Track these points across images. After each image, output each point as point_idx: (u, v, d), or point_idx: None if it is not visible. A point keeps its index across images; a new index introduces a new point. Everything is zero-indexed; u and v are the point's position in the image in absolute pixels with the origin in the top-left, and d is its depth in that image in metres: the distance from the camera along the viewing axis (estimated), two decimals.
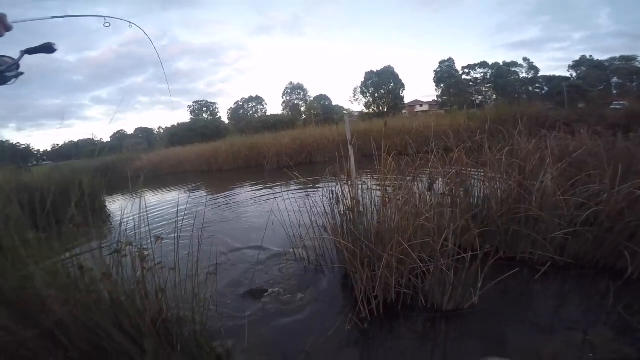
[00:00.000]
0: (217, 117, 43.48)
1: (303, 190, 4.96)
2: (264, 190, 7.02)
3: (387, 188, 2.28)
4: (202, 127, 26.34)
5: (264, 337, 1.96)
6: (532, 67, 41.66)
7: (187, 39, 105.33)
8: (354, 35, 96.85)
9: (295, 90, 46.38)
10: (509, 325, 1.85)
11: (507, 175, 2.58)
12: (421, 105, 47.04)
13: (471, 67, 43.57)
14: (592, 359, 1.50)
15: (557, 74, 41.80)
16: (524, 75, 41.89)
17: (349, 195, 2.35)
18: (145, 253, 1.09)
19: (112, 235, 1.39)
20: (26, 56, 0.61)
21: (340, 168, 2.47)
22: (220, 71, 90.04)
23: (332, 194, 2.38)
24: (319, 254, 2.83)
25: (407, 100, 45.16)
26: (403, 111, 40.08)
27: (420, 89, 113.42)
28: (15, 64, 0.56)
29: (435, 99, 44.84)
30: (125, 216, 1.43)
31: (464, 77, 43.62)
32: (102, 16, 0.75)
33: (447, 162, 2.68)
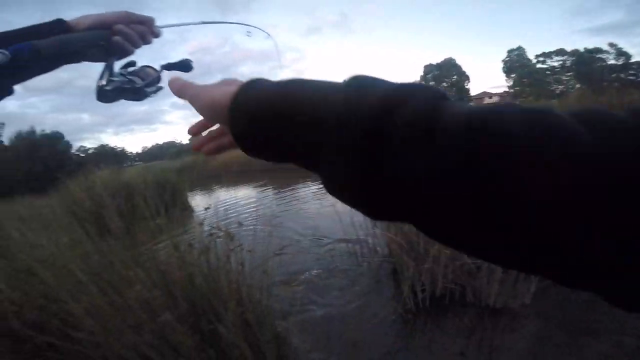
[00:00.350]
0: None
1: None
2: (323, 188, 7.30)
3: None
4: None
5: (314, 320, 2.13)
6: (621, 53, 35.66)
7: (246, 45, 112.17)
8: (406, 27, 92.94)
9: None
10: (557, 326, 1.78)
11: None
12: (490, 97, 43.18)
13: (546, 54, 38.80)
14: None
15: None
16: (612, 61, 36.07)
17: None
18: (231, 236, 1.37)
19: (198, 224, 1.68)
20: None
21: None
22: (279, 74, 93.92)
23: None
24: (372, 248, 2.95)
25: (473, 93, 42.10)
26: (470, 104, 37.45)
27: (487, 80, 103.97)
28: (158, 77, 0.54)
29: (507, 89, 40.90)
30: (206, 208, 1.77)
31: (538, 65, 39.05)
32: (249, 25, 0.73)
33: None
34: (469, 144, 0.18)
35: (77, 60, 0.51)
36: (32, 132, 24.49)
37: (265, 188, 9.08)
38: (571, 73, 37.70)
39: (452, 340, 1.80)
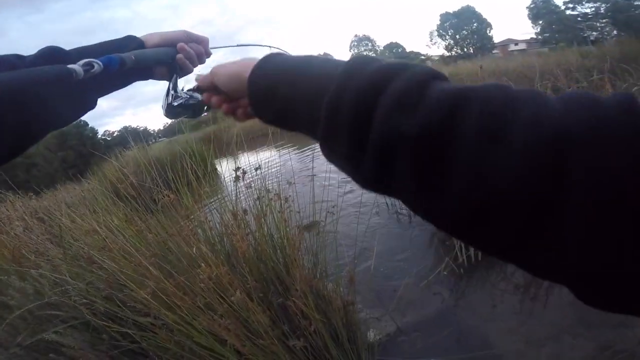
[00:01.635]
0: None
1: None
2: None
3: None
4: None
5: (362, 278, 2.03)
6: None
7: (244, 11, 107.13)
8: None
9: (362, 42, 44.42)
10: None
11: None
12: (516, 44, 40.31)
13: (577, 1, 34.86)
14: None
15: None
16: None
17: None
18: (285, 197, 1.28)
19: (245, 187, 1.60)
20: None
21: None
22: (284, 34, 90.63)
23: None
24: None
25: (497, 40, 39.34)
26: (494, 51, 35.12)
27: (512, 27, 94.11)
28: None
29: (534, 36, 37.61)
30: (256, 169, 1.67)
31: (568, 12, 35.49)
32: (268, 46, 0.80)
33: None
34: (449, 111, 0.21)
35: (147, 77, 0.54)
36: None
37: (287, 148, 9.04)
38: (606, 20, 33.83)
39: (507, 297, 1.73)
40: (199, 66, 0.55)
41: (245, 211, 1.23)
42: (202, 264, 0.86)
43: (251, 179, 1.51)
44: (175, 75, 0.51)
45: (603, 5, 34.34)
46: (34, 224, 2.10)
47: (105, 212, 1.50)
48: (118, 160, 6.42)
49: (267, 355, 0.84)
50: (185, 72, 0.52)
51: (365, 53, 43.72)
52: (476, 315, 1.66)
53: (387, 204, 2.99)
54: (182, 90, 0.51)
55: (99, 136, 29.35)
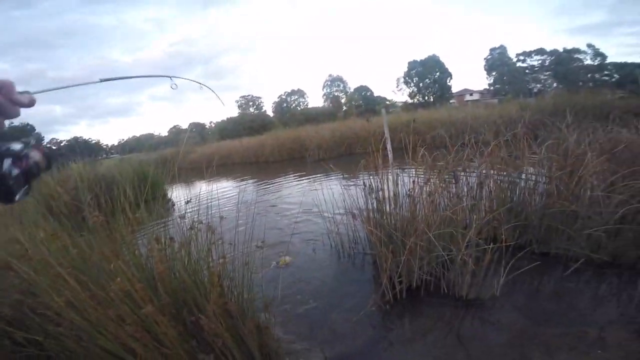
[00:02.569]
0: (263, 110, 45.05)
1: (341, 181, 5.26)
2: (305, 181, 7.41)
3: (417, 180, 2.37)
4: (250, 121, 27.61)
5: (295, 311, 2.21)
6: (598, 54, 37.53)
7: (230, 36, 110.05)
8: (393, 20, 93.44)
9: (335, 82, 46.82)
10: (527, 318, 1.86)
11: (547, 169, 2.56)
12: (471, 95, 44.52)
13: (527, 54, 40.47)
14: (600, 355, 1.52)
15: (629, 60, 37.19)
16: (589, 62, 37.81)
17: (379, 186, 2.49)
18: (212, 229, 1.39)
19: (179, 217, 1.66)
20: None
21: (374, 160, 2.55)
22: (262, 66, 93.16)
23: (364, 185, 2.53)
24: (352, 241, 3.03)
25: (455, 89, 43.24)
26: (451, 101, 38.55)
27: (469, 77, 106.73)
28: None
29: (487, 87, 42.32)
30: (187, 202, 1.77)
31: (518, 64, 40.62)
32: (169, 76, 0.80)
33: (483, 155, 2.69)
34: None
35: None
36: None
37: (244, 180, 9.05)
38: (549, 72, 39.19)
39: (427, 331, 1.88)
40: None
41: (172, 239, 1.32)
42: (118, 278, 0.92)
43: (187, 210, 1.61)
44: None
45: (548, 57, 39.16)
46: None
47: (33, 225, 1.47)
48: (59, 174, 6.04)
49: None
50: None
51: (336, 93, 45.92)
52: (395, 349, 1.79)
53: (329, 238, 3.16)
54: None
55: (44, 144, 27.06)
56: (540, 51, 40.01)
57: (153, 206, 1.95)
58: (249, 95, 48.20)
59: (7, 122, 0.44)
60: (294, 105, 46.91)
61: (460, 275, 2.06)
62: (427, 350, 1.74)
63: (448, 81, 40.97)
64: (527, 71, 40.37)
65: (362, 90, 44.35)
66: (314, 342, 1.89)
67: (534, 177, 2.67)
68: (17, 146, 0.45)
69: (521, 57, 40.65)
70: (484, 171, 2.60)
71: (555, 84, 37.45)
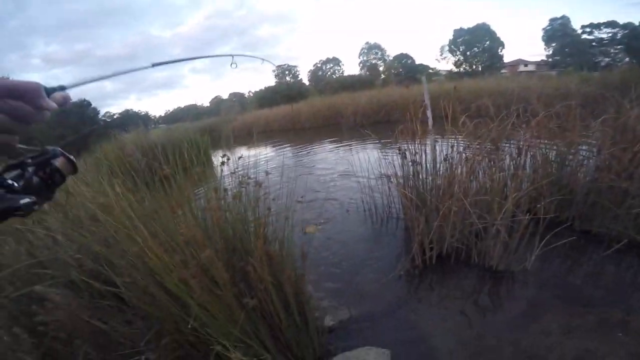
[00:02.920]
0: (299, 79, 44.52)
1: (377, 147, 5.25)
2: (340, 146, 7.50)
3: (456, 146, 2.32)
4: (286, 89, 27.69)
5: (326, 269, 2.32)
6: None
7: (262, 7, 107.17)
8: None
9: (372, 50, 44.43)
10: (554, 294, 1.84)
11: (600, 143, 2.38)
12: (526, 65, 40.21)
13: (595, 26, 35.04)
14: (620, 338, 1.49)
15: None
16: None
17: (415, 151, 2.47)
18: (260, 183, 1.55)
19: (231, 174, 1.81)
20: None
21: (413, 126, 2.50)
22: (297, 35, 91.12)
23: (399, 150, 2.53)
24: (386, 205, 3.07)
25: (508, 59, 39.40)
26: (502, 70, 35.35)
27: (525, 48, 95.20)
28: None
29: (545, 58, 37.92)
30: (239, 157, 1.92)
31: (584, 36, 35.61)
32: (231, 55, 0.77)
33: (529, 125, 2.54)
34: None
35: None
36: None
37: (283, 146, 9.30)
38: (620, 46, 34.03)
39: (453, 299, 1.92)
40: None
41: (225, 190, 1.49)
42: (183, 225, 1.10)
43: (237, 168, 1.77)
44: None
45: (620, 31, 34.41)
46: None
47: (108, 183, 1.72)
48: (115, 142, 6.67)
49: (222, 307, 1.09)
50: (1, 149, 0.38)
51: (374, 61, 43.83)
52: (419, 313, 1.86)
53: (363, 201, 3.23)
54: None
55: (100, 117, 29.36)
56: (611, 24, 34.54)
57: (206, 167, 2.14)
58: (285, 65, 47.56)
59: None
60: (329, 73, 45.75)
61: (492, 246, 2.04)
62: (450, 316, 1.79)
63: (499, 50, 37.41)
64: (593, 44, 35.36)
65: (402, 58, 41.80)
66: (341, 300, 1.99)
67: (584, 151, 2.51)
68: (41, 156, 0.44)
69: (587, 29, 35.53)
70: (526, 142, 2.46)
71: (627, 59, 32.36)
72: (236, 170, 1.76)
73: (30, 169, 0.42)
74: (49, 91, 0.40)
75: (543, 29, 37.73)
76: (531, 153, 2.51)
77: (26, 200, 0.39)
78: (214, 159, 4.27)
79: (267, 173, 1.69)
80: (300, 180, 3.22)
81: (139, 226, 1.19)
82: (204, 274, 1.11)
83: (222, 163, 1.62)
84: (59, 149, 0.47)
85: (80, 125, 22.76)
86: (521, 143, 2.46)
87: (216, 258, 1.08)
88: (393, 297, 2.00)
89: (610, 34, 35.13)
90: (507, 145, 2.54)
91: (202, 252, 1.07)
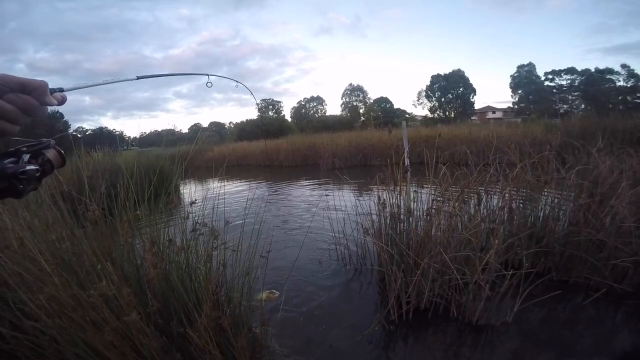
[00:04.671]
0: (282, 115, 45.54)
1: (354, 192, 5.17)
2: (317, 189, 7.34)
3: (437, 198, 2.26)
4: (268, 124, 28.12)
5: (294, 323, 2.11)
6: (632, 75, 35.73)
7: (256, 39, 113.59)
8: (419, 37, 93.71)
9: (354, 91, 46.93)
10: (537, 345, 1.78)
11: (574, 196, 2.41)
12: (494, 112, 43.93)
13: (556, 72, 39.32)
14: None
15: None
16: (622, 83, 36.32)
17: (394, 202, 2.38)
18: (216, 234, 1.30)
19: (183, 217, 1.59)
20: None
21: (390, 174, 2.46)
22: (285, 71, 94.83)
23: (379, 199, 2.42)
24: (360, 255, 2.92)
25: (478, 106, 42.72)
26: (472, 117, 38.12)
27: (493, 94, 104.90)
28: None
29: (511, 105, 41.58)
30: (192, 202, 1.70)
31: (546, 83, 39.61)
32: (207, 74, 0.80)
33: (507, 177, 2.55)
34: None
35: None
36: None
37: (259, 182, 9.05)
38: (578, 92, 38.06)
39: (431, 354, 1.78)
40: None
41: (170, 240, 1.24)
42: (103, 281, 0.85)
43: (191, 211, 1.54)
44: None
45: (578, 77, 37.96)
46: None
47: (38, 210, 1.43)
48: (79, 160, 6.17)
49: None
50: (1, 135, 0.40)
51: (356, 103, 46.03)
52: None
53: (336, 250, 3.05)
54: None
55: (70, 131, 28.13)
56: (570, 70, 38.92)
57: (160, 202, 1.89)
58: (269, 99, 48.83)
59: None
60: (312, 111, 47.25)
61: (472, 300, 1.95)
62: None
63: (471, 97, 40.52)
64: (554, 90, 39.27)
65: (382, 101, 44.33)
66: (310, 358, 1.79)
67: (559, 203, 2.52)
68: (36, 145, 0.46)
69: (549, 76, 39.62)
70: (506, 195, 2.44)
71: (583, 105, 36.20)
72: (192, 212, 1.52)
73: (25, 157, 0.43)
74: (50, 91, 0.43)
75: (511, 75, 41.39)
76: (509, 206, 2.48)
77: (32, 167, 0.42)
78: (181, 189, 3.98)
79: (227, 222, 1.45)
80: (271, 223, 3.00)
81: (49, 272, 0.92)
82: (126, 339, 0.85)
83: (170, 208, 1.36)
84: (53, 140, 0.48)
85: (47, 137, 21.57)
86: (503, 195, 2.44)
87: (145, 322, 0.83)
88: (367, 355, 1.82)
89: (569, 81, 39.15)
90: (485, 197, 2.50)
91: (128, 313, 0.81)
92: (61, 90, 0.46)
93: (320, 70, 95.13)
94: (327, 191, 6.35)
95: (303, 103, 48.62)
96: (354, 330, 2.00)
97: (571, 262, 2.30)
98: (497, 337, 1.87)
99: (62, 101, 0.45)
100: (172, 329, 0.94)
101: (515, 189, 2.54)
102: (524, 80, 39.83)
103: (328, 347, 1.88)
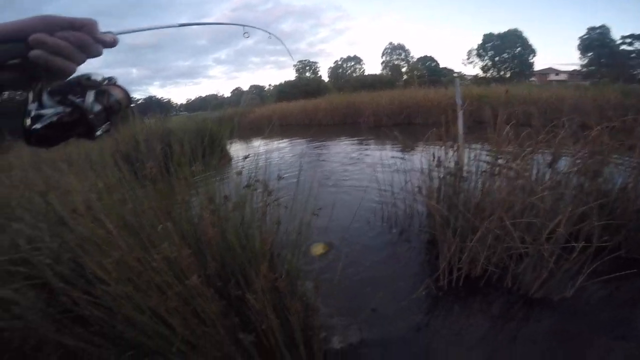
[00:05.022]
0: (319, 75, 44.59)
1: (400, 150, 4.96)
2: (360, 146, 7.19)
3: (499, 158, 2.07)
4: (305, 85, 27.68)
5: (339, 284, 2.02)
6: None
7: (288, 1, 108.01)
8: None
9: (395, 50, 44.07)
10: (592, 325, 1.64)
11: None
12: (557, 74, 39.08)
13: (636, 37, 33.33)
14: None
15: None
16: None
17: (452, 159, 2.21)
18: (269, 190, 1.27)
19: (236, 173, 1.59)
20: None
21: (445, 132, 2.27)
22: (319, 32, 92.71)
23: (434, 156, 2.25)
24: (408, 215, 2.82)
25: (538, 67, 38.38)
26: (531, 78, 34.31)
27: (556, 57, 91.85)
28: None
29: (578, 68, 36.50)
30: (245, 157, 1.69)
31: (623, 47, 33.93)
32: (242, 25, 0.80)
33: (581, 140, 2.23)
34: None
35: None
36: None
37: (300, 140, 9.08)
38: None
39: (479, 326, 1.71)
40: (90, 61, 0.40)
41: (226, 197, 1.23)
42: (165, 243, 0.86)
43: (244, 166, 1.51)
44: (38, 84, 0.37)
45: None
46: (30, 174, 2.10)
47: (101, 172, 1.50)
48: (134, 126, 6.58)
49: (213, 344, 0.84)
50: (59, 74, 0.38)
51: (397, 62, 43.36)
52: (440, 340, 1.65)
53: (382, 210, 2.97)
54: (47, 101, 0.38)
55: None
56: None
57: (213, 159, 1.91)
58: (305, 60, 47.57)
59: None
60: (349, 71, 45.48)
61: (532, 271, 1.80)
62: (475, 346, 1.59)
63: (530, 58, 36.30)
64: (632, 55, 33.67)
65: (427, 60, 41.29)
66: (353, 319, 1.79)
67: None
68: (98, 77, 0.43)
69: (628, 40, 33.86)
70: (579, 160, 2.14)
71: None
72: (245, 168, 1.49)
73: (91, 93, 0.42)
74: None
75: (580, 37, 36.48)
76: (585, 169, 2.18)
77: (99, 107, 0.41)
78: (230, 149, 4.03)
79: (279, 177, 1.40)
80: (316, 182, 2.94)
81: (114, 234, 0.95)
82: (187, 305, 0.86)
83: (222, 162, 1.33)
84: (115, 78, 0.47)
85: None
86: (575, 159, 2.14)
87: (205, 286, 0.83)
88: (412, 320, 1.79)
89: None
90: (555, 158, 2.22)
91: (189, 276, 0.82)
92: (110, 33, 0.44)
93: (355, 30, 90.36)
94: (368, 147, 6.18)
95: (340, 63, 46.83)
96: (398, 294, 1.97)
97: None
98: (552, 313, 1.74)
99: (113, 42, 0.43)
100: (230, 291, 0.96)
101: (590, 153, 2.21)
102: (596, 42, 34.50)
103: (371, 311, 1.86)
